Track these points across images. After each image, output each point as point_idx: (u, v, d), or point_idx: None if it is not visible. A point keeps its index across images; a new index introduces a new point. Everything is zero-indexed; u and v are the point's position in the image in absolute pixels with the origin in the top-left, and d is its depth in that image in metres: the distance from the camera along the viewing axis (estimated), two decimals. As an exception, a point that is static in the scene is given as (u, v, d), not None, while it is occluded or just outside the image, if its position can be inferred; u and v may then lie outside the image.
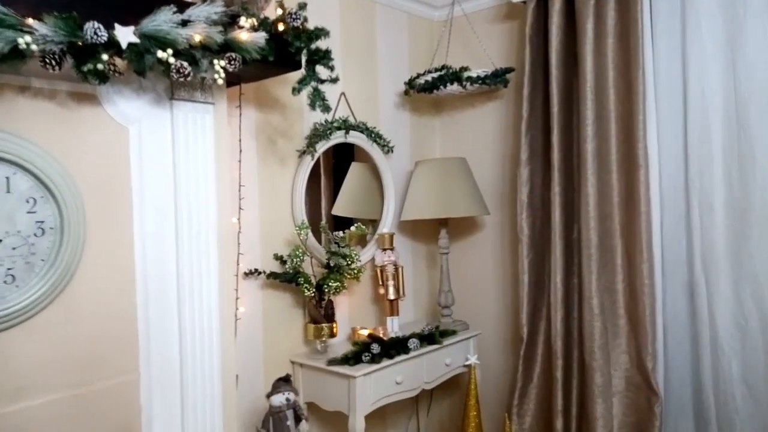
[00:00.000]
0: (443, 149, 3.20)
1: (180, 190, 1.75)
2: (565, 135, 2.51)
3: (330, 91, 2.01)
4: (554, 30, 2.46)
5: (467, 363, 2.72)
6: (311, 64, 1.87)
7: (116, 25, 1.41)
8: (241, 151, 2.16)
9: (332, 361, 2.28)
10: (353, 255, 2.39)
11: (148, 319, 1.71)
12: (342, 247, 2.40)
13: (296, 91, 1.90)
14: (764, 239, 2.09)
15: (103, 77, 1.42)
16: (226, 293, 1.89)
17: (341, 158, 2.83)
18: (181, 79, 1.57)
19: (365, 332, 2.56)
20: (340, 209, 2.80)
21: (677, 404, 2.34)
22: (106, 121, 1.64)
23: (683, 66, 2.28)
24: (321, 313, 2.38)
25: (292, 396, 2.04)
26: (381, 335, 2.55)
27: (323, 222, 2.44)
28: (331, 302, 2.41)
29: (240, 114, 2.15)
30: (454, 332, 2.71)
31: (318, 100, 1.86)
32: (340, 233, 2.37)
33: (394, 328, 2.64)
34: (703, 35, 2.21)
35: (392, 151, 2.84)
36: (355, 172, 2.88)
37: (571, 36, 2.47)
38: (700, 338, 2.25)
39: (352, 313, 2.74)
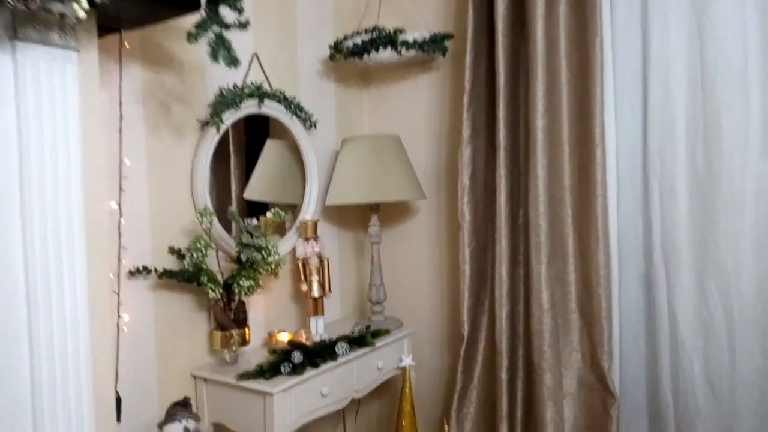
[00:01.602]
0: (372, 126, 2.85)
1: (27, 164, 1.28)
2: (512, 110, 2.22)
3: (239, 49, 1.59)
4: (501, -9, 2.16)
5: (401, 365, 2.41)
6: (213, 3, 1.45)
7: None
8: (121, 117, 1.70)
9: (244, 375, 1.89)
10: (270, 247, 2.00)
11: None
12: (256, 237, 2.00)
13: (193, 37, 1.47)
14: (732, 226, 1.90)
15: None
16: (99, 299, 1.45)
17: (255, 134, 2.42)
18: (22, 7, 1.12)
19: (285, 337, 2.18)
20: (253, 193, 2.39)
21: (631, 405, 2.15)
22: None
23: (643, 33, 2.05)
24: (230, 318, 1.98)
25: (192, 424, 1.64)
26: (303, 340, 2.18)
27: (233, 207, 2.02)
28: (242, 304, 2.01)
29: (120, 70, 1.69)
30: (387, 332, 2.39)
31: (222, 48, 1.44)
32: (254, 221, 1.97)
33: (318, 330, 2.28)
34: (666, -1, 1.98)
35: (315, 126, 2.45)
36: (271, 149, 2.47)
37: (520, -1, 2.18)
38: (658, 334, 2.06)
39: (269, 314, 2.34)
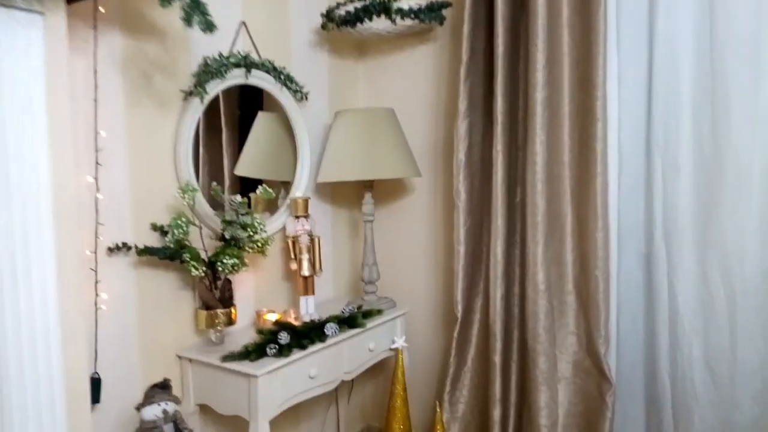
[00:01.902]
0: (368, 99, 2.76)
1: (-14, 134, 1.21)
2: (510, 82, 2.12)
3: (225, 17, 1.50)
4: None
5: (394, 346, 2.35)
6: (186, -36, 1.36)
7: None
8: (96, 86, 1.62)
9: (229, 357, 1.83)
10: (256, 224, 1.93)
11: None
12: (242, 214, 1.93)
13: (166, 1, 1.38)
14: (737, 206, 1.81)
15: None
16: (70, 276, 1.38)
17: (249, 108, 2.33)
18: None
19: (272, 317, 2.12)
20: (244, 169, 2.31)
21: (626, 389, 2.09)
22: None
23: (650, 1, 1.94)
24: (215, 297, 1.92)
25: (171, 406, 1.59)
26: (292, 320, 2.13)
27: (215, 184, 1.94)
28: (228, 283, 1.95)
29: (95, 37, 1.61)
30: (379, 312, 2.33)
31: (196, 13, 1.35)
32: (238, 197, 1.89)
33: (308, 309, 2.21)
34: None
35: (306, 98, 2.37)
36: (262, 123, 2.38)
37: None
38: (657, 317, 1.99)
39: (259, 293, 2.28)
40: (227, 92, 2.17)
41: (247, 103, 2.33)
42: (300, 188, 2.39)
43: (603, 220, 1.96)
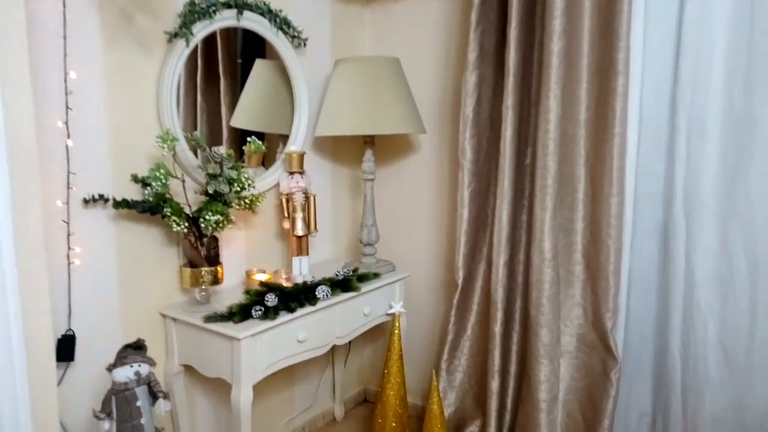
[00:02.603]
0: (373, 48, 2.58)
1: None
2: (525, 30, 1.94)
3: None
4: None
5: (391, 311, 2.25)
6: None
7: None
8: (65, 22, 1.48)
9: (211, 317, 1.74)
10: (243, 179, 1.80)
11: None
12: (229, 167, 1.80)
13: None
14: (767, 173, 1.63)
15: None
16: (29, 229, 1.28)
17: (252, 56, 2.19)
18: None
19: (262, 277, 2.02)
20: (239, 120, 2.18)
21: (634, 366, 1.97)
22: None
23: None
24: (200, 254, 1.81)
25: (144, 368, 1.51)
26: (283, 281, 2.03)
27: (194, 133, 1.81)
28: (214, 240, 1.84)
29: (62, -34, 1.46)
30: (376, 275, 2.22)
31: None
32: (221, 149, 1.76)
33: (302, 270, 2.11)
34: None
35: (305, 45, 2.21)
36: (260, 72, 2.24)
37: None
38: (671, 291, 1.84)
39: (251, 252, 2.18)
40: (226, 37, 2.04)
41: (250, 51, 2.18)
42: (296, 142, 2.26)
43: (618, 185, 1.80)
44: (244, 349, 1.69)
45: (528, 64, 1.97)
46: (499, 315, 2.03)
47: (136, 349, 1.51)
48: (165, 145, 1.65)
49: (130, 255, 1.79)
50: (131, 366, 1.47)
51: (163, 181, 1.63)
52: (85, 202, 1.63)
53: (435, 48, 2.37)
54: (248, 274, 2.06)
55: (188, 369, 1.92)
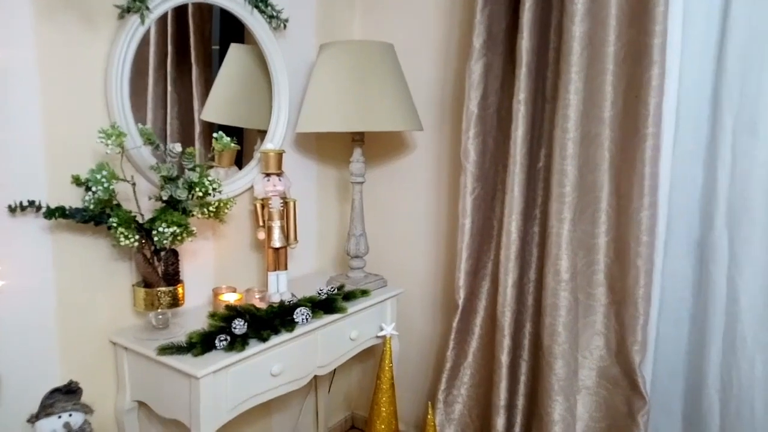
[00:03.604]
0: (365, 32, 2.29)
1: None
2: (541, 11, 1.66)
3: None
4: None
5: (381, 334, 1.98)
6: None
7: None
8: (-26, -13, 1.19)
9: (167, 349, 1.45)
10: (206, 183, 1.51)
11: None
12: (189, 168, 1.52)
13: None
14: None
15: None
16: None
17: (230, 41, 1.92)
18: None
19: (231, 298, 1.74)
20: (211, 113, 1.90)
21: (661, 405, 1.70)
22: None
23: None
24: (156, 272, 1.53)
25: (77, 418, 1.22)
26: (256, 301, 1.75)
27: (145, 126, 1.51)
28: (173, 254, 1.55)
29: None
30: (365, 293, 1.94)
31: None
32: (177, 146, 1.47)
33: (279, 288, 1.82)
34: None
35: (285, 27, 1.92)
36: (235, 57, 1.96)
37: None
38: (709, 321, 1.57)
39: (222, 266, 1.90)
40: (200, 18, 1.78)
41: (228, 36, 1.91)
42: (275, 139, 1.98)
43: (651, 195, 1.53)
44: (204, 389, 1.40)
45: (544, 51, 1.69)
46: (506, 342, 1.76)
47: (66, 393, 1.22)
48: (109, 141, 1.36)
49: (71, 272, 1.50)
50: (59, 416, 1.18)
51: (106, 185, 1.34)
52: (11, 210, 1.34)
53: (435, 32, 2.09)
54: (215, 293, 1.77)
55: (143, 405, 1.63)
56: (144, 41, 1.59)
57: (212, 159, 1.74)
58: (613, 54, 1.55)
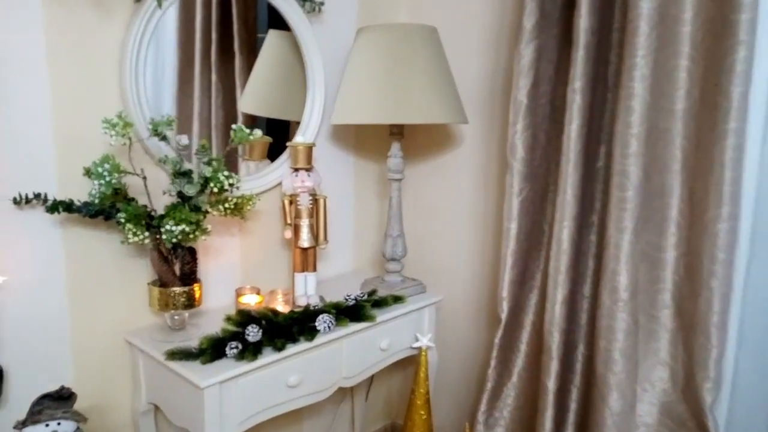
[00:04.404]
0: (410, 15, 2.11)
1: None
2: (602, -13, 1.43)
3: None
4: None
5: (416, 345, 1.81)
6: None
7: None
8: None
9: (175, 354, 1.36)
10: (221, 178, 1.40)
11: None
12: (206, 163, 1.42)
13: None
14: None
15: None
16: None
17: (276, 28, 1.83)
18: None
19: (252, 300, 1.63)
20: (247, 104, 1.81)
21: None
22: None
23: None
24: (172, 271, 1.44)
25: (67, 427, 1.14)
26: (280, 304, 1.64)
27: (169, 116, 1.40)
28: (191, 252, 1.47)
29: None
30: (399, 299, 1.78)
31: None
32: (183, 138, 1.36)
33: (308, 290, 1.70)
34: None
35: (320, 10, 1.79)
36: (272, 45, 1.85)
37: None
38: (803, 357, 1.30)
39: (250, 264, 1.81)
40: (243, 5, 1.70)
41: (276, 23, 1.82)
42: (308, 131, 1.85)
43: (731, 205, 1.27)
44: (210, 400, 1.30)
45: (606, 31, 1.46)
46: (553, 366, 1.55)
47: (57, 400, 1.15)
48: (113, 132, 1.27)
49: (84, 268, 1.44)
50: (47, 425, 1.11)
51: (107, 178, 1.26)
52: (15, 202, 1.28)
53: (484, 13, 1.88)
54: (238, 293, 1.67)
55: (159, 411, 1.56)
56: (190, 28, 1.56)
57: (232, 152, 1.63)
58: (689, 34, 1.30)
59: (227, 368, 1.33)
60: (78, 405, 1.45)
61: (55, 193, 1.34)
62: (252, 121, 1.83)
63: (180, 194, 1.37)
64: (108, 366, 1.52)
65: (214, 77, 1.74)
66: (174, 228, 1.32)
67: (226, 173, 1.42)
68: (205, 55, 1.70)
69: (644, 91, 1.33)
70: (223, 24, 1.71)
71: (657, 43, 1.32)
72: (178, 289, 1.44)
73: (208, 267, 1.68)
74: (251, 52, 1.82)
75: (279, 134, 1.87)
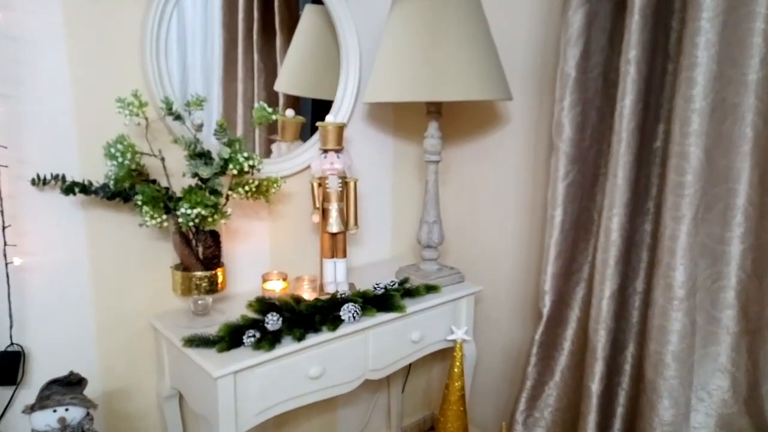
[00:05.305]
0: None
1: None
2: (664, -60, 1.24)
3: None
4: None
5: (451, 338, 1.71)
6: None
7: None
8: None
9: (192, 341, 1.32)
10: (241, 160, 1.34)
11: None
12: (225, 144, 1.36)
13: None
14: None
15: None
16: None
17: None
18: None
19: (277, 286, 1.57)
20: (283, 83, 1.75)
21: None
22: None
23: None
24: (194, 254, 1.40)
25: (75, 413, 1.12)
26: (306, 291, 1.57)
27: (199, 96, 1.34)
28: (214, 236, 1.42)
29: None
30: (433, 288, 1.68)
31: None
32: (198, 118, 1.30)
33: (336, 277, 1.63)
34: None
35: (351, -18, 1.68)
36: (309, 21, 1.77)
37: None
38: None
39: (279, 249, 1.75)
40: None
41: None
42: (341, 110, 1.77)
43: (812, 190, 1.08)
44: (223, 390, 1.25)
45: (666, -7, 1.28)
46: (597, 367, 1.40)
47: (66, 385, 1.12)
48: (127, 111, 1.23)
49: (107, 250, 1.42)
50: (54, 410, 1.09)
51: (120, 159, 1.21)
52: (34, 183, 1.27)
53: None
54: (264, 279, 1.62)
55: (182, 397, 1.54)
56: (233, 7, 1.54)
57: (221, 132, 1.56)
58: (765, -8, 1.11)
59: (243, 357, 1.27)
60: (102, 388, 1.45)
61: (77, 175, 1.32)
62: (295, 102, 1.76)
63: (198, 176, 1.32)
64: (133, 349, 1.50)
65: (256, 57, 1.70)
66: (190, 211, 1.27)
67: (246, 154, 1.35)
68: (248, 34, 1.66)
69: (709, 60, 1.15)
70: (265, 1, 1.65)
71: (726, 3, 1.13)
72: (200, 274, 1.40)
73: (235, 251, 1.64)
74: (291, 29, 1.76)
75: (324, 115, 1.79)
